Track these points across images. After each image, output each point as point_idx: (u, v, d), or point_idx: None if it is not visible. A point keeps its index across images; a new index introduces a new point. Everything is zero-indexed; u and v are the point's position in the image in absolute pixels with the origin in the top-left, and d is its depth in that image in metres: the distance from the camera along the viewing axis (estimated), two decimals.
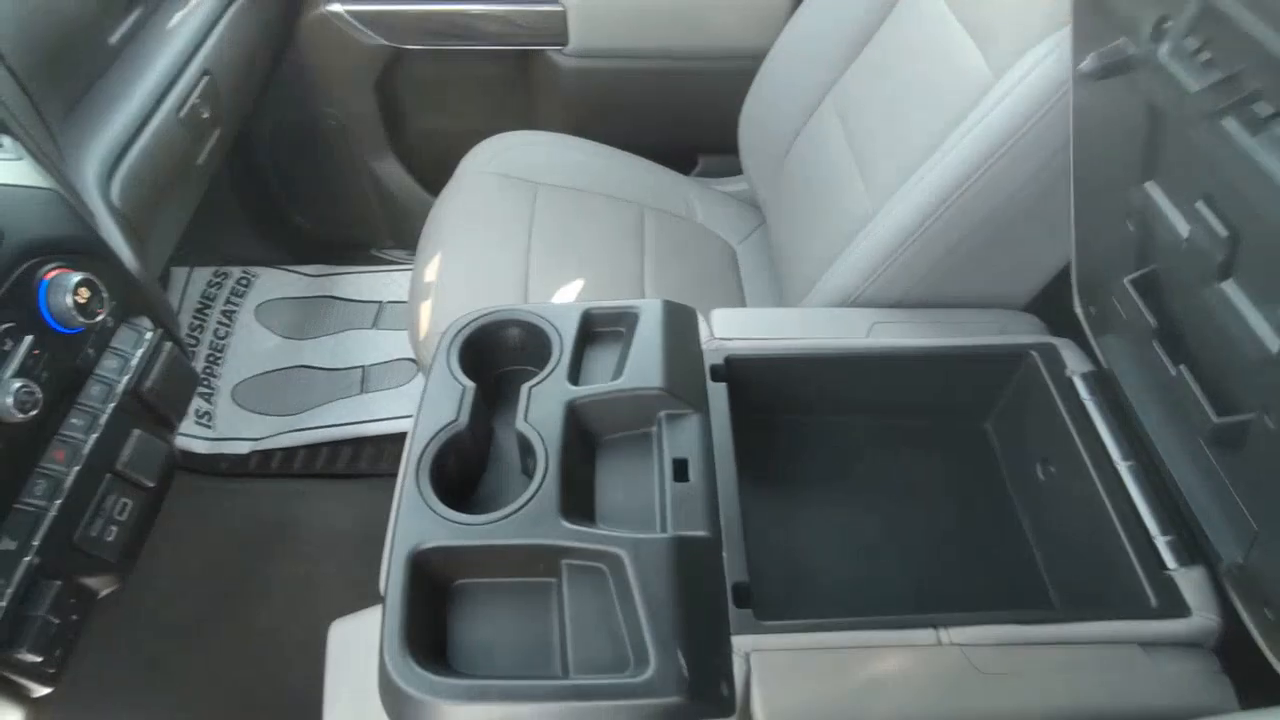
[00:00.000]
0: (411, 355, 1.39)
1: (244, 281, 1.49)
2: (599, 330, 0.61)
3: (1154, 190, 0.56)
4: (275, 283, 1.50)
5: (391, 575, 0.46)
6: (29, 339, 0.58)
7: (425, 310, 1.00)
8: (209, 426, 1.30)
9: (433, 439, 0.52)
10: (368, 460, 1.29)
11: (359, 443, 1.29)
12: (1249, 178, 0.44)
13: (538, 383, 0.56)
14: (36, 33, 0.70)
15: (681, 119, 1.36)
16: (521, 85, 1.35)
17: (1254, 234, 0.47)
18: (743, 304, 1.11)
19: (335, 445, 1.29)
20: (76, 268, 0.63)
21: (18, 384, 0.55)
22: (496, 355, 0.61)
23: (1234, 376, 0.52)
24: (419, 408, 0.55)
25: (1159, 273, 0.60)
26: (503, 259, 1.05)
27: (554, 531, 0.47)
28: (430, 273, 1.04)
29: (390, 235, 1.54)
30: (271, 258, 1.53)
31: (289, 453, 1.27)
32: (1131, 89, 0.54)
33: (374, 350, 1.41)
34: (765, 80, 1.12)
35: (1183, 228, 0.52)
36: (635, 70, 1.28)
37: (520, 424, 0.53)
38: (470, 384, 0.55)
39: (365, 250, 1.56)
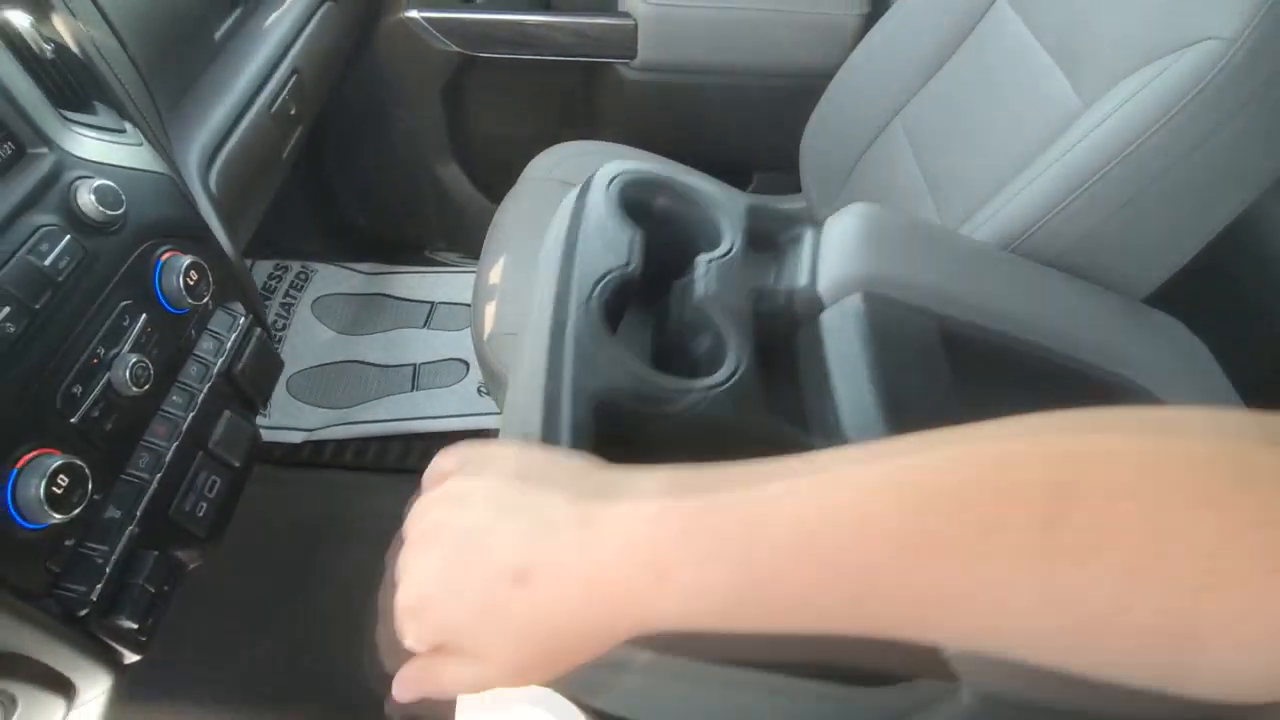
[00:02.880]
0: (461, 356, 1.41)
1: (302, 276, 1.52)
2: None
3: None
4: (332, 279, 1.53)
5: (562, 418, 0.38)
6: (144, 316, 0.60)
7: (490, 310, 1.02)
8: (264, 415, 1.32)
9: (604, 279, 0.45)
10: (417, 456, 1.31)
11: (409, 439, 1.31)
12: None
13: (720, 257, 0.49)
14: (154, 27, 0.73)
15: (740, 135, 1.38)
16: (585, 96, 1.38)
17: None
18: None
19: (386, 440, 1.31)
20: (186, 251, 0.65)
21: (134, 359, 0.57)
22: (637, 217, 0.56)
23: None
24: (568, 246, 0.48)
25: None
26: None
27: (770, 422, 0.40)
28: (495, 274, 1.06)
29: (444, 238, 1.57)
30: (328, 253, 1.56)
31: (341, 445, 1.30)
32: None
33: (426, 349, 1.43)
34: (833, 99, 1.14)
35: None
36: (699, 85, 1.31)
37: (701, 298, 0.45)
38: (639, 230, 0.49)
39: (419, 251, 1.59)
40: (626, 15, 1.23)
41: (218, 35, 0.86)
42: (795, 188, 1.26)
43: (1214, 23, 0.62)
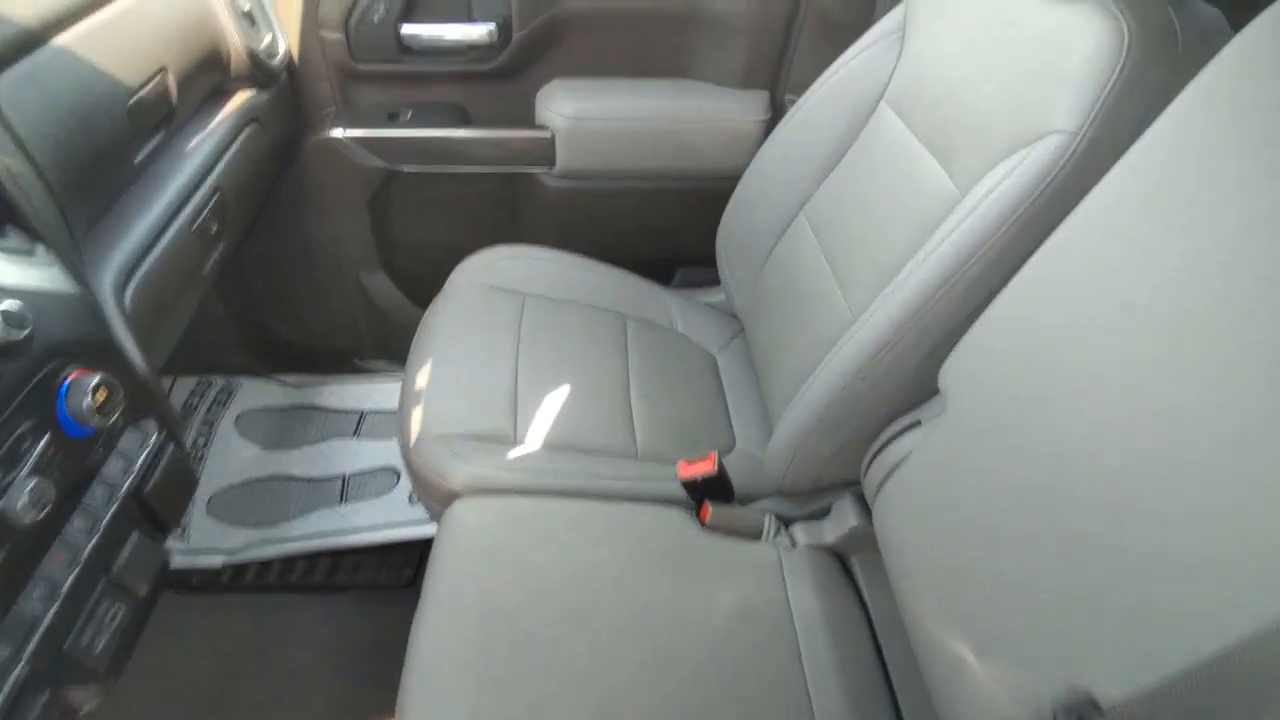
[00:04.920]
0: (392, 464, 1.39)
1: (226, 391, 1.48)
2: None
3: None
4: (257, 393, 1.50)
5: None
6: (46, 437, 0.58)
7: (416, 415, 1.02)
8: (182, 539, 1.25)
9: None
10: (346, 571, 1.26)
11: (338, 554, 1.26)
12: None
13: None
14: (72, 154, 0.74)
15: (661, 233, 1.45)
16: (509, 203, 1.43)
17: None
18: (725, 411, 1.15)
19: (313, 557, 1.26)
20: (95, 369, 0.64)
21: (33, 482, 0.55)
22: None
23: None
24: None
25: None
26: (492, 366, 1.08)
27: None
28: (421, 379, 1.06)
29: (374, 346, 1.57)
30: (254, 367, 1.53)
31: (264, 565, 1.23)
32: None
33: (355, 459, 1.40)
34: (742, 196, 1.21)
35: None
36: (618, 189, 1.38)
37: None
38: None
39: (348, 361, 1.57)
40: (544, 128, 1.30)
41: (138, 159, 0.87)
42: (716, 281, 1.32)
43: (1059, 118, 0.70)
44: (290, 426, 1.45)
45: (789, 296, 1.09)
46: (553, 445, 1.00)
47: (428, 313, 1.20)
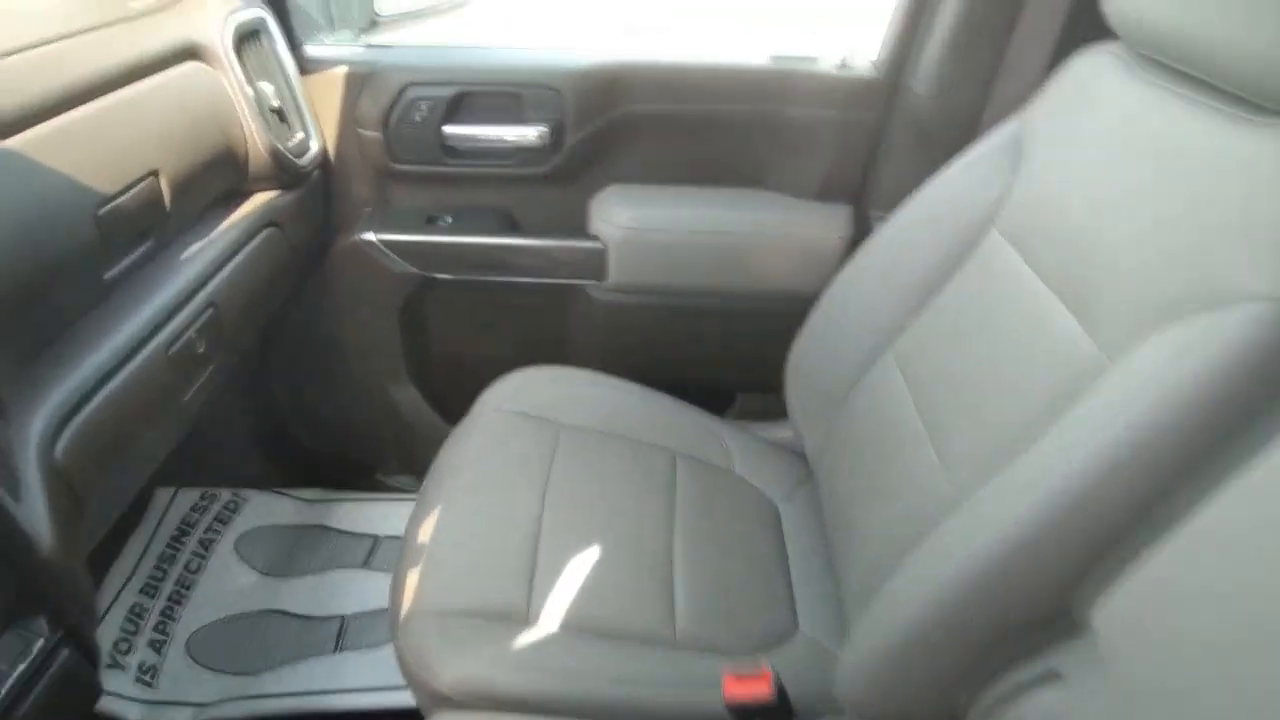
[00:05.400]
0: None
1: (231, 506, 1.35)
2: None
3: None
4: (265, 508, 1.36)
5: None
6: None
7: (411, 581, 0.84)
8: (151, 685, 1.09)
9: None
10: None
11: (322, 717, 1.07)
12: None
13: None
14: (11, 267, 0.63)
15: (721, 356, 1.28)
16: (552, 317, 1.30)
17: None
18: (788, 581, 0.94)
19: (294, 719, 1.07)
20: None
21: None
22: None
23: None
24: None
25: None
26: (511, 518, 0.91)
27: None
28: (425, 532, 0.89)
29: (398, 460, 1.43)
30: (267, 475, 1.40)
31: None
32: None
33: (359, 596, 1.23)
34: (818, 323, 1.03)
35: None
36: (675, 307, 1.22)
37: None
38: None
39: (370, 474, 1.43)
40: (596, 238, 1.17)
41: (110, 273, 0.76)
42: (781, 412, 1.13)
43: (1259, 279, 0.51)
44: (295, 550, 1.30)
45: (871, 451, 0.89)
46: (572, 628, 0.81)
47: (447, 443, 1.05)
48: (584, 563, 0.87)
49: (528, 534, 0.89)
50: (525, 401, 1.07)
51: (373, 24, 1.29)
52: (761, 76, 1.13)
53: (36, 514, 0.58)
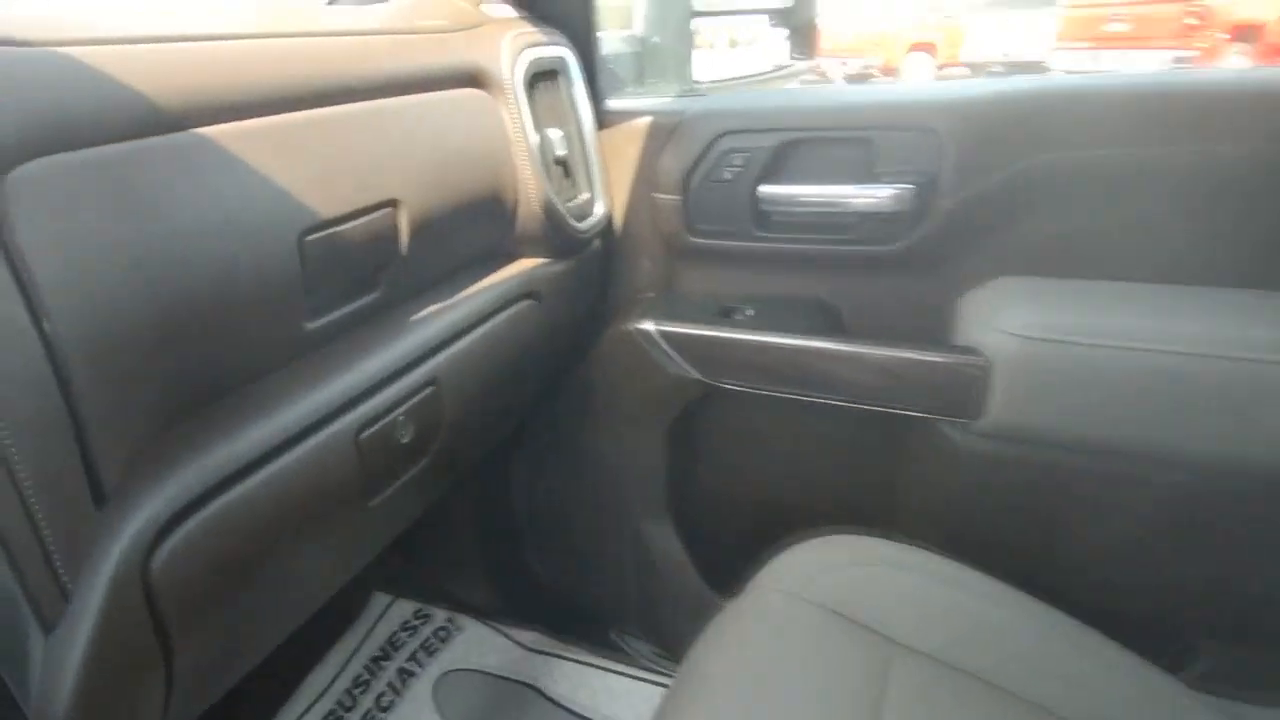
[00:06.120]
0: None
1: (443, 634, 1.12)
2: None
3: None
4: (478, 645, 1.10)
5: None
6: None
7: None
8: None
9: None
10: None
11: None
12: None
13: None
14: (180, 286, 0.44)
15: (1171, 567, 0.77)
16: (883, 462, 0.90)
17: None
18: None
19: None
20: None
21: None
22: None
23: None
24: None
25: None
26: None
27: None
28: None
29: (640, 622, 1.09)
30: (488, 604, 1.16)
31: None
32: None
33: None
34: None
35: None
36: (1093, 473, 0.76)
37: None
38: None
39: (603, 630, 1.12)
40: (971, 353, 0.77)
41: (313, 326, 0.56)
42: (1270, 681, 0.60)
43: None
44: (496, 713, 1.00)
45: None
46: None
47: (716, 624, 0.68)
48: None
49: None
50: (834, 588, 0.68)
51: (690, 93, 1.08)
52: None
53: (67, 658, 0.35)
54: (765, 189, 0.84)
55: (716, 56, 1.82)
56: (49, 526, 0.38)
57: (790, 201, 0.84)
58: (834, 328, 0.88)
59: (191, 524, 0.46)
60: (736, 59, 1.85)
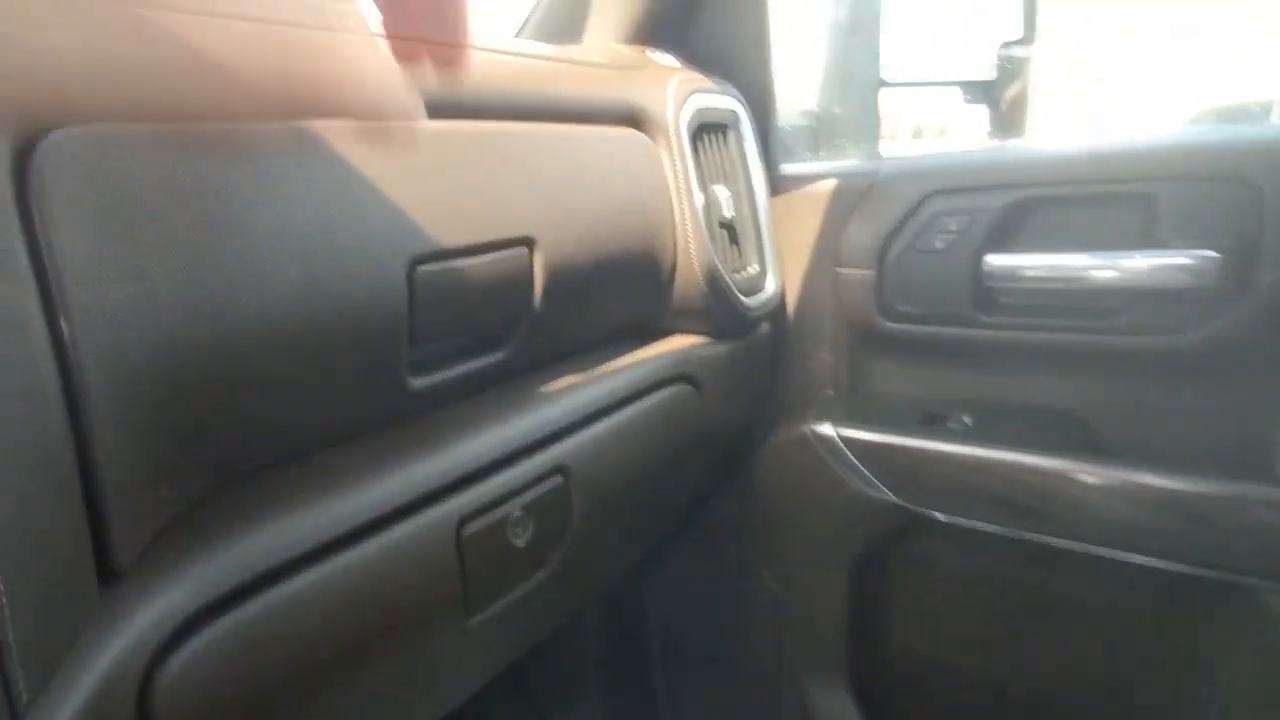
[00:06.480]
0: None
1: None
2: None
3: None
4: None
5: None
6: None
7: None
8: None
9: None
10: None
11: None
12: None
13: None
14: (258, 314, 0.34)
15: None
16: (1171, 645, 0.63)
17: None
18: None
19: None
20: None
21: None
22: None
23: None
24: None
25: None
26: None
27: None
28: None
29: None
30: None
31: None
32: None
33: None
34: None
35: None
36: None
37: None
38: None
39: None
40: None
41: (419, 383, 0.44)
42: None
43: None
44: None
45: None
46: None
47: None
48: None
49: None
50: None
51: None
52: None
53: None
54: (993, 260, 0.66)
55: (895, 148, 1.68)
56: (17, 610, 0.26)
57: (1027, 276, 0.65)
58: (1084, 446, 0.65)
59: (222, 625, 0.34)
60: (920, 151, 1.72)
